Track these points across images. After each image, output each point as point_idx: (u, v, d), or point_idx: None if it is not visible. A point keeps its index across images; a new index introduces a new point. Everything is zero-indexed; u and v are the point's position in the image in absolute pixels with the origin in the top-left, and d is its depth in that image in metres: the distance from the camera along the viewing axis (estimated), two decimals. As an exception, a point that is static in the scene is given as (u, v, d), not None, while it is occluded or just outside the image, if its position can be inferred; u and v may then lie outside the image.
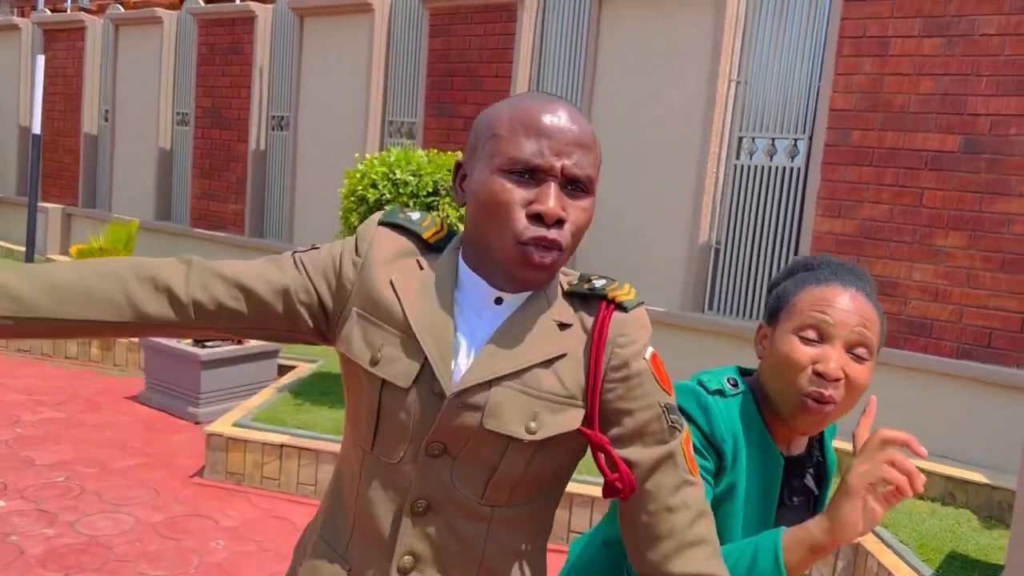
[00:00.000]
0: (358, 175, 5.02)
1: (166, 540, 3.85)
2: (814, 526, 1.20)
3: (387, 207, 4.76)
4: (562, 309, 1.15)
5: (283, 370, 6.19)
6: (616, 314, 1.13)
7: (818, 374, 1.28)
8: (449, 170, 4.96)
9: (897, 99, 4.72)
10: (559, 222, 1.07)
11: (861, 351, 1.29)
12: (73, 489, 4.30)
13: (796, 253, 5.24)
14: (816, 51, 5.14)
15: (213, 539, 3.91)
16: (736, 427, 1.31)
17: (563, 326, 1.14)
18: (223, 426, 4.65)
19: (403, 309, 1.14)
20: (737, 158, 5.48)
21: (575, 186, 1.10)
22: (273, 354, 5.99)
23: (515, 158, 1.07)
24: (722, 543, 1.28)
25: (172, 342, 5.62)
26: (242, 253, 8.32)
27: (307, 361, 6.40)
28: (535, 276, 1.10)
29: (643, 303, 1.17)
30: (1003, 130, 4.43)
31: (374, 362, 1.14)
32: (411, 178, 4.82)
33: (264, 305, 1.18)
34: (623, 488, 1.11)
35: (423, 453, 1.13)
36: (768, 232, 5.37)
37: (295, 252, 1.25)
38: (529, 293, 1.15)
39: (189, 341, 5.66)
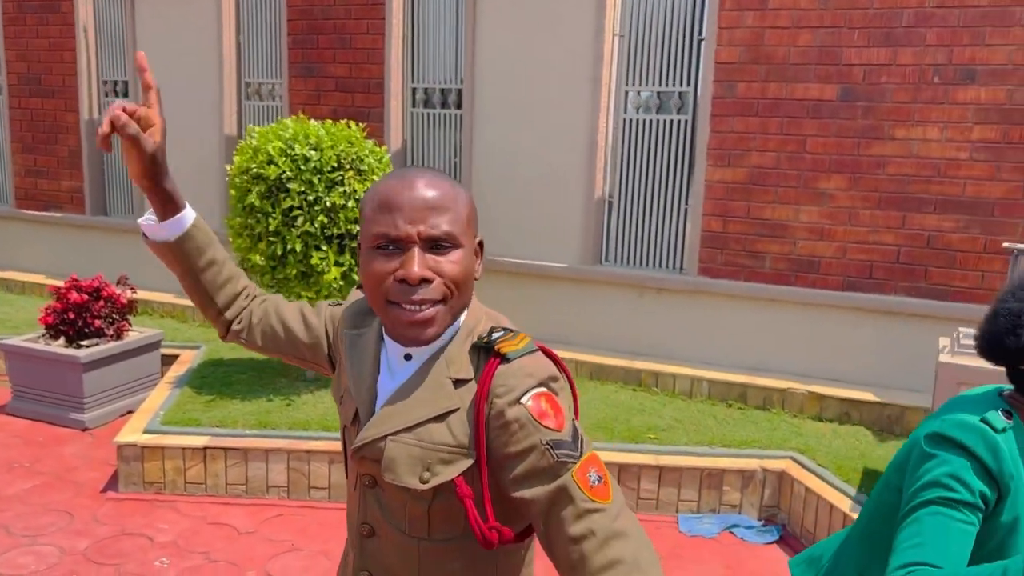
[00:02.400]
0: (249, 151, 4.69)
1: (103, 567, 3.56)
2: None
3: (290, 185, 4.51)
4: (462, 365, 1.25)
5: (166, 360, 5.79)
6: (500, 367, 1.21)
7: None
8: (349, 142, 4.75)
9: (778, 52, 4.99)
10: (426, 281, 1.19)
11: None
12: (-26, 526, 3.86)
13: (687, 203, 5.49)
14: (696, 4, 5.31)
15: (155, 558, 3.66)
16: (1019, 461, 1.39)
17: (459, 382, 1.24)
18: (134, 435, 4.31)
19: (346, 361, 1.37)
20: (625, 111, 5.61)
21: (438, 245, 1.21)
22: (155, 346, 5.58)
23: (376, 234, 1.21)
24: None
25: (41, 345, 5.10)
26: (85, 234, 7.59)
27: (190, 348, 6.02)
28: (415, 332, 1.21)
29: (533, 351, 1.24)
30: (875, 79, 4.81)
31: (339, 401, 1.41)
32: (312, 153, 4.57)
33: (295, 338, 1.54)
34: (479, 538, 1.22)
35: (361, 483, 1.34)
36: (659, 183, 5.57)
37: (329, 303, 1.57)
38: (434, 349, 1.27)
39: (61, 342, 5.16)
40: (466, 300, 1.26)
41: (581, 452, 1.17)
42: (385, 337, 1.33)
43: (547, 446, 1.16)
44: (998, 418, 1.44)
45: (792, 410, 4.98)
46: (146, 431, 4.36)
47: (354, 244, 4.73)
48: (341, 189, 4.58)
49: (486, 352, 1.24)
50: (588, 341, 5.73)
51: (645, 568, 1.12)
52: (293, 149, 4.58)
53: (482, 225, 5.85)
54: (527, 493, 1.17)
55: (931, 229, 4.81)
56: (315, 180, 4.54)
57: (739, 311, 5.33)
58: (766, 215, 5.16)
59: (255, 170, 4.59)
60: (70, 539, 3.79)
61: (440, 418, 1.23)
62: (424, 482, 1.22)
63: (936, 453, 1.44)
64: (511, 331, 1.27)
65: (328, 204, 4.54)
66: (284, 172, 4.54)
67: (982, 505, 1.40)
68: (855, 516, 3.71)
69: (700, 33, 5.31)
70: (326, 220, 4.57)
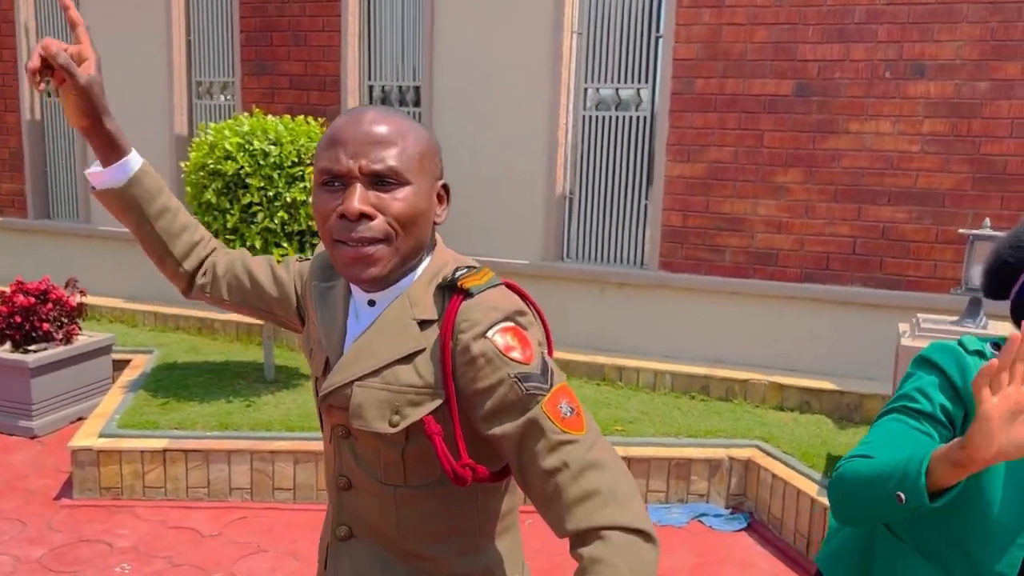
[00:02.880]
0: (205, 147, 4.59)
1: (61, 575, 3.43)
2: (956, 442, 1.21)
3: (249, 180, 4.43)
4: (426, 307, 1.21)
5: (117, 365, 5.62)
6: (464, 302, 1.18)
7: None
8: (309, 137, 4.68)
9: (735, 48, 5.06)
10: (366, 217, 1.15)
11: None
12: (-81, 537, 3.68)
13: (647, 199, 5.53)
14: (654, 1, 5.36)
15: (115, 564, 3.54)
16: None
17: (425, 323, 1.20)
18: (88, 439, 4.17)
19: (316, 313, 1.34)
20: (584, 108, 5.64)
21: (383, 181, 1.16)
22: (106, 350, 5.41)
23: (320, 170, 1.18)
24: (981, 504, 1.37)
25: (-14, 350, 4.90)
26: (28, 239, 7.33)
27: (142, 352, 5.85)
28: (356, 270, 1.17)
29: (497, 285, 1.21)
30: (829, 74, 4.91)
31: (309, 355, 1.37)
32: (272, 147, 4.49)
33: (263, 291, 1.49)
34: (450, 475, 1.19)
35: (335, 435, 1.30)
36: (619, 179, 5.61)
37: (297, 257, 1.53)
38: (398, 293, 1.24)
39: (7, 347, 4.97)
40: (418, 242, 1.21)
41: (551, 384, 1.15)
42: (352, 285, 1.30)
43: (515, 379, 1.13)
44: (973, 340, 1.47)
45: (754, 400, 5.05)
46: (102, 435, 4.21)
47: (315, 240, 4.65)
48: (302, 185, 4.51)
49: (450, 291, 1.20)
50: (551, 337, 5.72)
51: (622, 499, 1.09)
52: (252, 144, 4.49)
53: (449, 221, 5.80)
54: (498, 430, 1.14)
55: (885, 220, 4.93)
56: (275, 175, 4.45)
57: (700, 304, 5.39)
58: (725, 209, 5.23)
59: (212, 166, 4.49)
60: (24, 548, 3.64)
61: (406, 359, 1.20)
62: (394, 426, 1.19)
63: (913, 372, 1.49)
64: (474, 267, 1.24)
65: (288, 200, 4.46)
66: (242, 167, 4.44)
67: (942, 418, 1.41)
68: (822, 500, 3.77)
69: (658, 30, 5.37)
70: (286, 216, 4.49)
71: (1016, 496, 1.40)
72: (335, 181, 1.17)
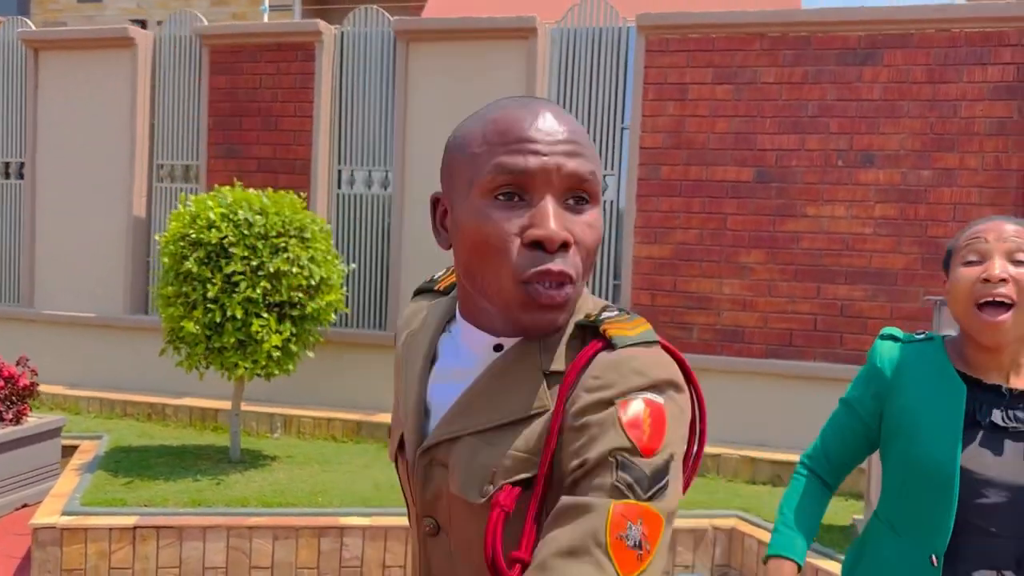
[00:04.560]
0: (187, 217, 4.56)
1: (27, 659, 3.15)
2: None
3: (232, 249, 4.40)
4: (560, 354, 0.93)
5: (64, 452, 5.32)
6: (601, 354, 0.90)
7: (984, 280, 1.53)
8: (293, 209, 4.70)
9: (698, 138, 5.40)
10: (565, 247, 0.89)
11: (1020, 255, 1.53)
12: None
13: (617, 279, 5.70)
14: (619, 95, 5.69)
15: (86, 647, 3.28)
16: (903, 362, 1.64)
17: (555, 375, 0.92)
18: (50, 516, 3.91)
19: (403, 368, 1.11)
20: (552, 193, 5.83)
21: (576, 198, 0.91)
22: (56, 432, 5.13)
23: (497, 175, 0.89)
24: (911, 461, 1.58)
25: (-72, 430, 4.59)
26: (-38, 323, 6.99)
27: (90, 438, 5.57)
28: (546, 320, 0.91)
29: (649, 342, 0.91)
30: (786, 162, 5.27)
31: (394, 421, 1.14)
32: (257, 217, 4.49)
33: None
34: (487, 559, 0.89)
35: (423, 532, 1.02)
36: (587, 261, 5.77)
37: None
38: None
39: (-48, 426, 4.67)
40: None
41: (648, 496, 0.82)
42: (458, 330, 1.02)
43: (613, 456, 0.82)
44: (895, 331, 1.74)
45: (727, 474, 5.12)
46: (65, 512, 3.96)
47: (295, 312, 4.61)
48: (285, 255, 4.50)
49: (590, 334, 0.93)
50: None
51: None
52: (236, 214, 4.48)
53: (413, 303, 5.83)
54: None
55: (843, 298, 5.21)
56: (259, 245, 4.44)
57: (669, 382, 5.49)
58: (691, 288, 5.43)
59: (194, 235, 4.45)
60: (-19, 632, 3.34)
61: (524, 421, 0.91)
62: (484, 496, 0.91)
63: None
64: (627, 312, 0.95)
65: (272, 270, 4.44)
66: (226, 236, 4.42)
67: (853, 401, 1.73)
68: (815, 563, 3.81)
69: (623, 122, 5.68)
70: (269, 286, 4.45)
71: (947, 457, 1.55)
72: (515, 194, 0.90)
